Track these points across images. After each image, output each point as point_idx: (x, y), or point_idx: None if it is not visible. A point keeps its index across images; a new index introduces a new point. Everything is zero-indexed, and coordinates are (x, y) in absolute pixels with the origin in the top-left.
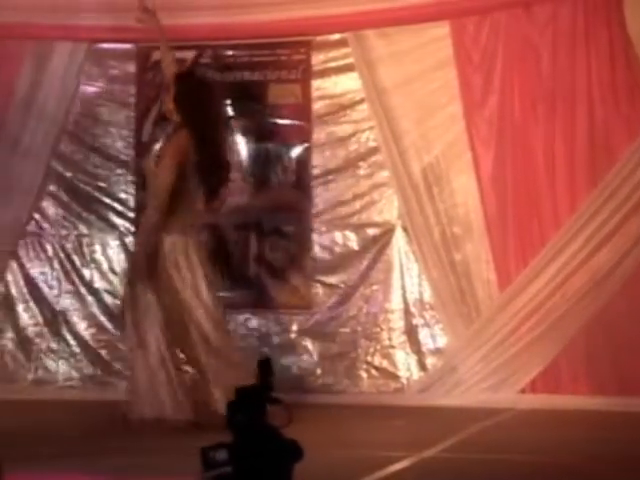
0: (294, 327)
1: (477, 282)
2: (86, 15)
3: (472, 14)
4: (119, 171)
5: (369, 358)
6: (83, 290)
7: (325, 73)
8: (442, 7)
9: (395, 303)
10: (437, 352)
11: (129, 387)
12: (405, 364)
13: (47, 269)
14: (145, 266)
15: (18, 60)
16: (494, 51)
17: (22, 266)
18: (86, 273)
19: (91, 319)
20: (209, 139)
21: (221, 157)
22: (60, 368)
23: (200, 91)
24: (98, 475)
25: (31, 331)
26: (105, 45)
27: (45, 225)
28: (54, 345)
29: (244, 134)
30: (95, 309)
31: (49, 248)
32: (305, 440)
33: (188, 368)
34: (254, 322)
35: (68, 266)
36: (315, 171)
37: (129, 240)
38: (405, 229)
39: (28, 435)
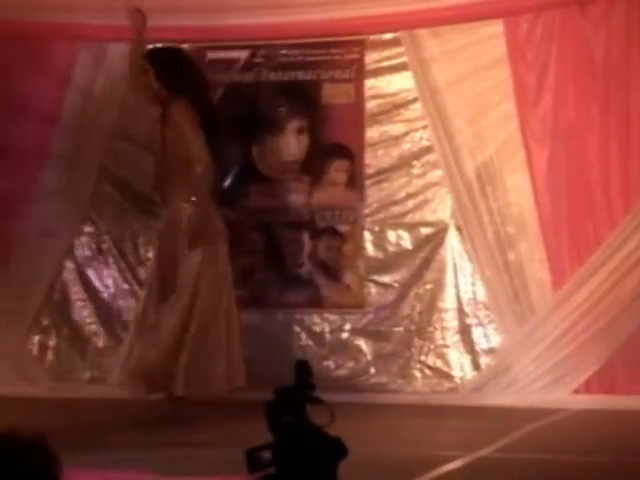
0: (347, 326)
1: (531, 282)
2: None
3: (526, 12)
4: None
5: (423, 357)
6: (138, 289)
7: (378, 72)
8: (496, 5)
9: (449, 302)
10: (491, 352)
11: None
12: (459, 363)
13: (102, 268)
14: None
15: (72, 61)
16: (548, 49)
17: (78, 265)
18: (141, 272)
19: None
20: (204, 98)
21: (215, 113)
22: (115, 367)
23: (175, 57)
24: (153, 473)
25: (87, 330)
26: (159, 45)
27: (100, 224)
28: (109, 344)
29: (298, 133)
30: None
31: (104, 247)
32: (358, 439)
33: None
34: (307, 321)
35: (123, 265)
36: (368, 170)
37: None
38: (458, 228)
39: (83, 433)
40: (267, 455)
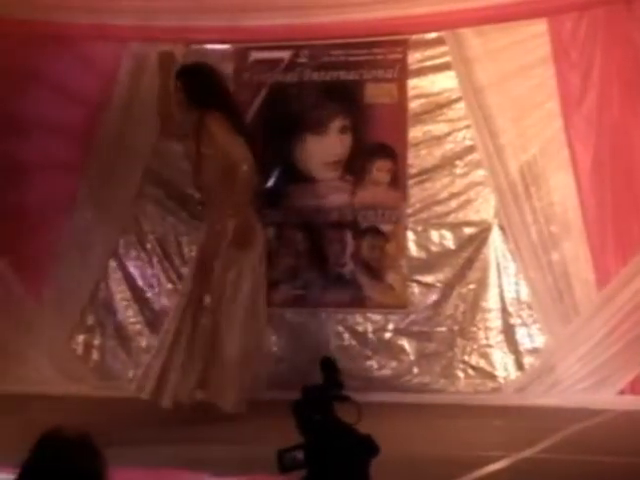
0: (390, 326)
1: (575, 281)
2: (184, 16)
3: (570, 10)
4: None
5: (466, 357)
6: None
7: (421, 72)
8: (540, 4)
9: (492, 302)
10: (534, 352)
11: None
12: (502, 364)
13: (146, 268)
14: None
15: (118, 61)
16: (592, 47)
17: (122, 265)
18: (185, 272)
19: None
20: (238, 114)
21: (246, 124)
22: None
23: (204, 72)
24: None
25: (131, 329)
26: (203, 46)
27: (144, 224)
28: (154, 343)
29: (340, 133)
30: None
31: (148, 247)
32: (401, 439)
33: None
34: (350, 321)
35: (167, 265)
36: (411, 170)
37: None
38: (502, 228)
39: (128, 431)
40: (300, 455)
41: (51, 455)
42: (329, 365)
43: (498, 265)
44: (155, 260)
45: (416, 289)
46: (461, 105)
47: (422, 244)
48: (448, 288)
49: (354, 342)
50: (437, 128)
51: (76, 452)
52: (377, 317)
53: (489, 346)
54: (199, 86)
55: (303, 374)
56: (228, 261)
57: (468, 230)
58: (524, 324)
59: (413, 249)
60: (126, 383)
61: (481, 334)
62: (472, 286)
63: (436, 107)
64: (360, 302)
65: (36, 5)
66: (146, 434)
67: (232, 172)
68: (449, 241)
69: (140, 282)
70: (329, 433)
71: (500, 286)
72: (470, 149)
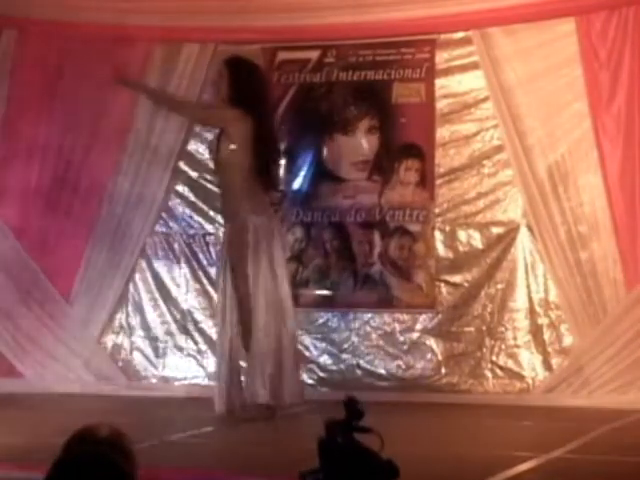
0: (418, 326)
1: (604, 282)
2: (213, 17)
3: (599, 10)
4: None
5: (494, 358)
6: (210, 289)
7: (449, 71)
8: (568, 3)
9: (520, 302)
10: (563, 352)
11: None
12: (530, 364)
13: (175, 268)
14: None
15: (146, 61)
16: (622, 47)
17: (150, 265)
18: (212, 272)
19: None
20: (265, 119)
21: (274, 137)
22: (187, 365)
23: (251, 73)
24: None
25: (159, 329)
26: (231, 46)
27: (172, 224)
28: (181, 343)
29: (368, 133)
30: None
31: (176, 247)
32: (429, 439)
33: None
34: (378, 321)
35: (195, 265)
36: (439, 170)
37: None
38: (530, 228)
39: (157, 431)
40: (321, 477)
41: (82, 453)
42: (351, 400)
43: (526, 265)
44: (183, 260)
45: (444, 289)
46: (489, 105)
47: (450, 244)
48: (476, 288)
49: (382, 342)
50: (465, 128)
51: (107, 450)
52: (405, 317)
53: (517, 346)
54: (241, 80)
55: (334, 375)
56: (254, 257)
57: (496, 230)
58: (552, 324)
59: (441, 249)
60: (153, 382)
61: (509, 334)
62: (500, 286)
63: (464, 107)
64: (388, 302)
65: (66, 6)
66: (176, 434)
67: (249, 176)
68: (477, 241)
69: (168, 282)
70: (350, 456)
71: (528, 286)
72: (498, 149)
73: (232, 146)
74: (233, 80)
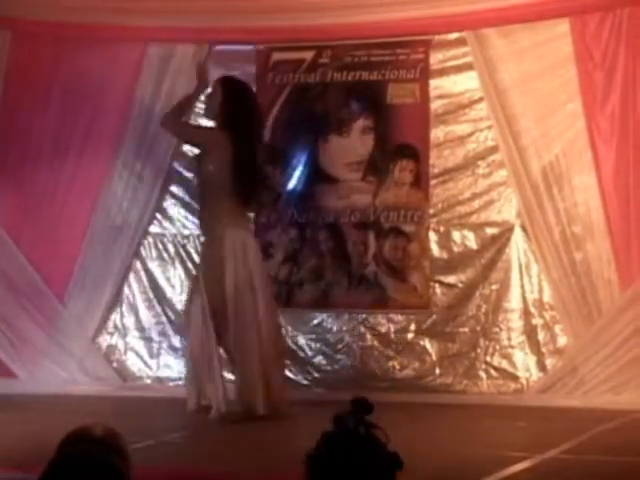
0: (412, 327)
1: (598, 282)
2: (207, 17)
3: (594, 11)
4: None
5: (488, 358)
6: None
7: (444, 72)
8: (563, 4)
9: (514, 303)
10: (557, 353)
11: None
12: (525, 364)
13: (169, 268)
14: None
15: (141, 62)
16: (616, 48)
17: (145, 265)
18: None
19: None
20: (247, 142)
21: (255, 161)
22: (181, 366)
23: (243, 97)
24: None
25: (154, 329)
26: (226, 47)
27: (167, 225)
28: (176, 343)
29: (363, 134)
30: None
31: (171, 248)
32: (424, 440)
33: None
34: (372, 322)
35: (189, 265)
36: (433, 170)
37: None
38: (524, 228)
39: (151, 432)
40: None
41: (77, 453)
42: (361, 397)
43: (520, 266)
44: (177, 261)
45: (438, 290)
46: (483, 105)
47: (444, 245)
48: (470, 289)
49: (376, 343)
50: (459, 128)
51: (102, 451)
52: (400, 318)
53: (511, 347)
54: (230, 104)
55: (328, 375)
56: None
57: (490, 231)
58: (546, 325)
59: (435, 250)
60: (148, 383)
61: (503, 335)
62: (494, 287)
63: (458, 107)
64: (383, 303)
65: (60, 7)
66: (169, 434)
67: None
68: (471, 242)
69: (162, 282)
70: (357, 447)
71: (522, 287)
72: (492, 149)
73: (210, 167)
74: (224, 100)
